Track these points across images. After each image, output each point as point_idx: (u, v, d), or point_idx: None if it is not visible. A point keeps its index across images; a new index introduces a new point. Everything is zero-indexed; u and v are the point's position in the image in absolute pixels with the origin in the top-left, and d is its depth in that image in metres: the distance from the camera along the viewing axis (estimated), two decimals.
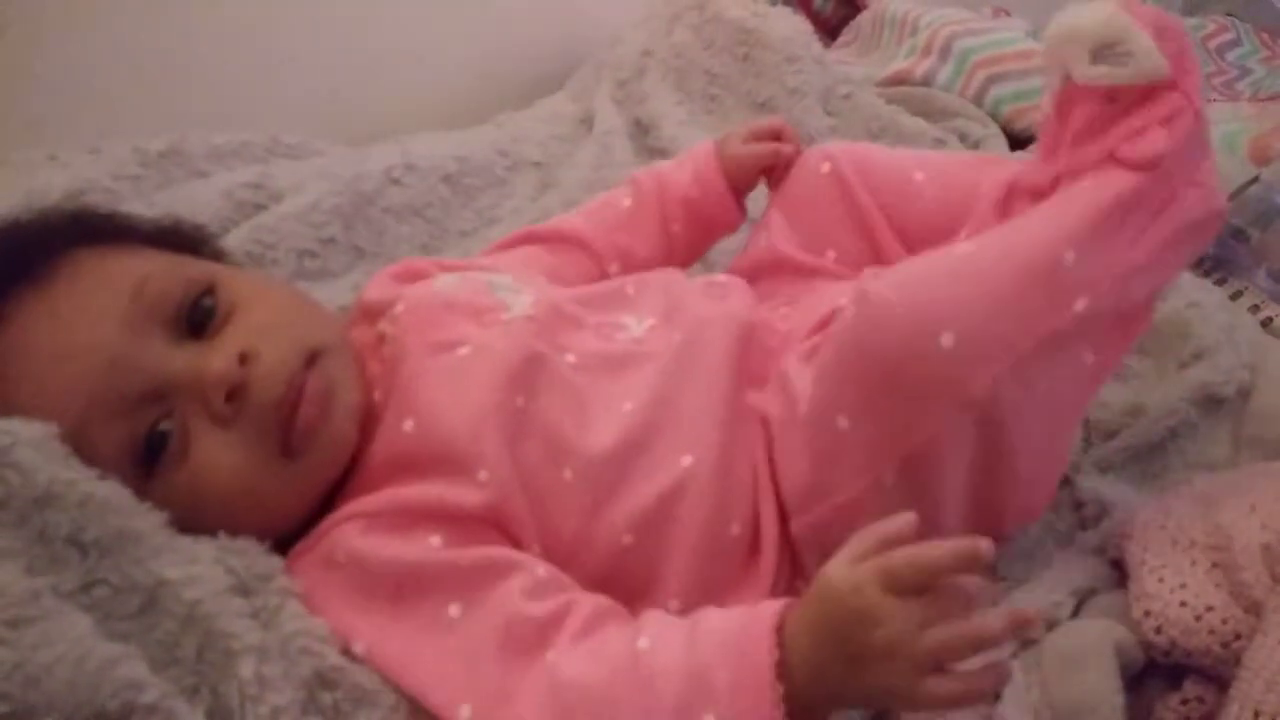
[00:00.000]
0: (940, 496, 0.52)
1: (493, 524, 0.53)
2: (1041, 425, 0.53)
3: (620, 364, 0.60)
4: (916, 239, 0.65)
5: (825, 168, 0.67)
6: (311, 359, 0.55)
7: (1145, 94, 0.52)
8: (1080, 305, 0.49)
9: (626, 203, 0.76)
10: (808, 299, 0.65)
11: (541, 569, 0.52)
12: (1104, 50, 0.51)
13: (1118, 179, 0.51)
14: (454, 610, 0.50)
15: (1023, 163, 0.63)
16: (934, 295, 0.49)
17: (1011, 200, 0.58)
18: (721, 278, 0.67)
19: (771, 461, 0.57)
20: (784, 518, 0.56)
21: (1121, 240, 0.51)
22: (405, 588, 0.51)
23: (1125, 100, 0.52)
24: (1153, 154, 0.51)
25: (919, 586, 0.44)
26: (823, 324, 0.60)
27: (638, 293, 0.67)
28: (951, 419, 0.50)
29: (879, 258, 0.66)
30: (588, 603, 0.51)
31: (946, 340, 0.48)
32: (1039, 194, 0.56)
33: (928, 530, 0.49)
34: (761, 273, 0.69)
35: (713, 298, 0.63)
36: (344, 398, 0.56)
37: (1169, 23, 0.52)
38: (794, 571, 0.57)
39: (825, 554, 0.53)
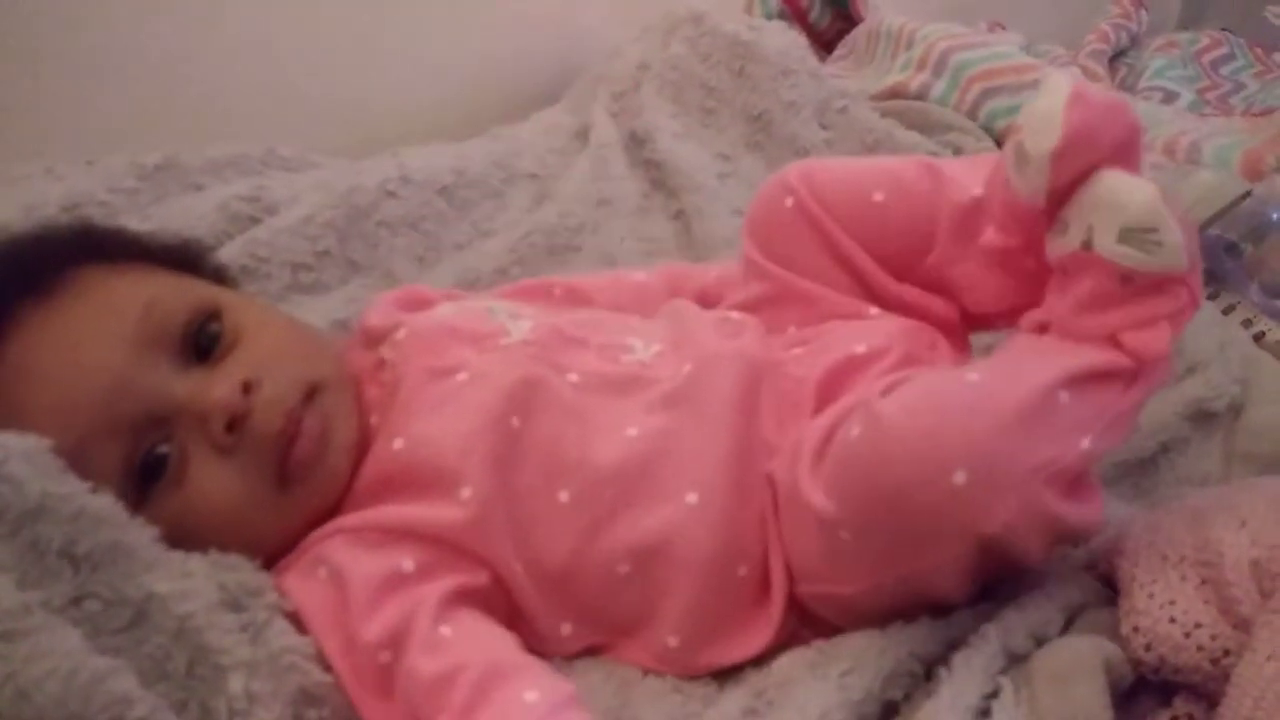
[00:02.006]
0: (944, 592, 0.53)
1: (469, 549, 0.53)
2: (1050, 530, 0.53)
3: (625, 385, 0.60)
4: (891, 260, 0.65)
5: (789, 202, 0.65)
6: (311, 393, 0.55)
7: (1158, 283, 0.51)
8: (1085, 444, 0.50)
9: (639, 276, 0.76)
10: (820, 339, 0.64)
11: (448, 627, 0.51)
12: (1135, 232, 0.51)
13: (1116, 357, 0.52)
14: (384, 657, 0.50)
15: (976, 185, 0.62)
16: (948, 429, 0.48)
17: (971, 228, 0.60)
18: (735, 315, 0.66)
19: (779, 520, 0.56)
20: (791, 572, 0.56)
21: (1108, 394, 0.52)
22: (352, 629, 0.51)
23: (1139, 284, 0.51)
24: (1156, 354, 0.52)
25: None
26: (837, 372, 0.60)
27: (644, 318, 0.67)
28: (958, 549, 0.50)
29: (863, 284, 0.65)
30: (474, 671, 0.49)
31: (960, 478, 0.47)
32: (1005, 252, 0.58)
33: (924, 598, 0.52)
34: (766, 305, 0.67)
35: (725, 335, 0.62)
36: (339, 435, 0.56)
37: (1186, 219, 0.52)
38: (801, 619, 0.56)
39: (826, 619, 0.55)
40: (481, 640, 0.52)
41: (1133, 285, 0.52)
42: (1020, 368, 0.51)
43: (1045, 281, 0.57)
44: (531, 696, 0.48)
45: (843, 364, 0.60)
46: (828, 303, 0.66)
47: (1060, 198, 0.53)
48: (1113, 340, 0.52)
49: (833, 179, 0.65)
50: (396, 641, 0.50)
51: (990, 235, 0.59)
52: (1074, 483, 0.51)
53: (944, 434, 0.47)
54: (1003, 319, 0.65)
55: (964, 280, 0.63)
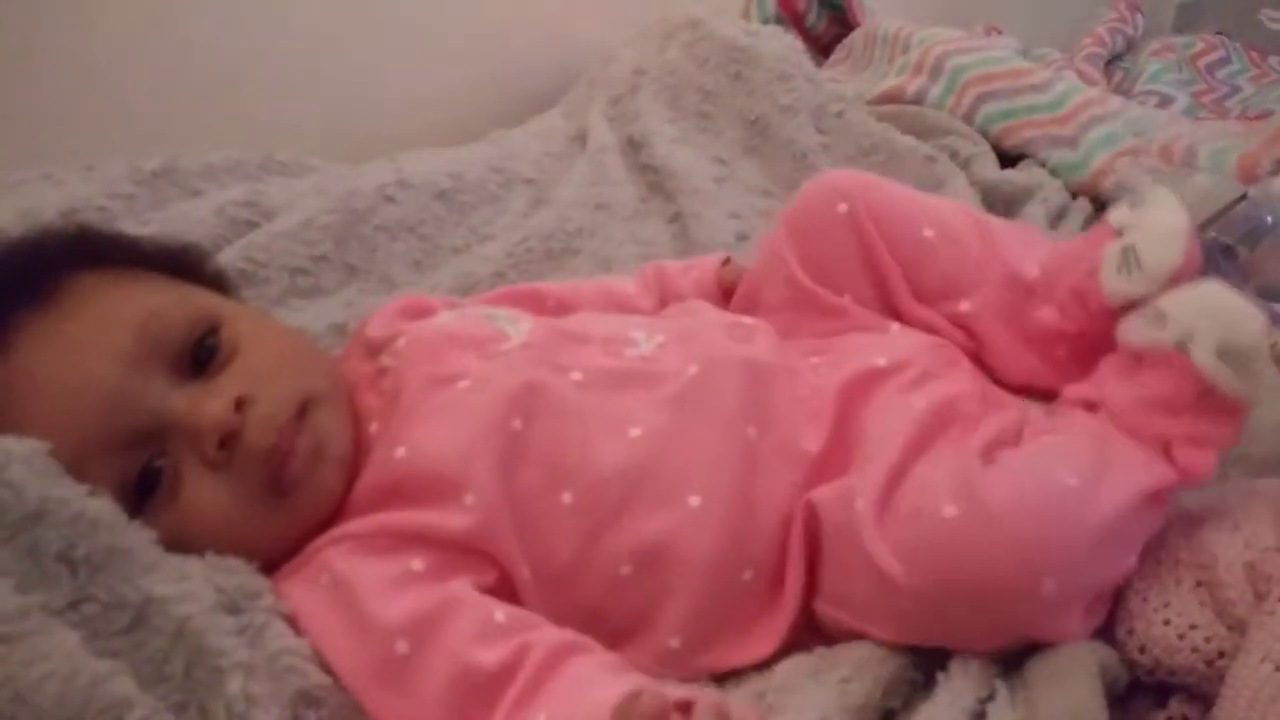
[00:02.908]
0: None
1: (477, 550, 0.53)
2: None
3: (628, 380, 0.59)
4: (924, 292, 0.66)
5: (842, 208, 0.66)
6: (304, 409, 0.55)
7: (1227, 408, 0.53)
8: (1129, 564, 0.53)
9: (631, 289, 0.76)
10: (838, 349, 0.64)
11: (501, 613, 0.51)
12: (1235, 353, 0.52)
13: (1163, 469, 0.53)
14: (401, 647, 0.49)
15: (1032, 265, 0.65)
16: (1052, 537, 0.48)
17: (1019, 305, 0.63)
18: (747, 320, 0.65)
19: (814, 540, 0.55)
20: (809, 581, 0.55)
21: (1156, 513, 0.54)
22: (363, 619, 0.51)
23: (1211, 403, 0.53)
24: (1201, 475, 0.53)
25: None
26: (857, 383, 0.60)
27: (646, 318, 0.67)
28: (1011, 641, 0.51)
29: (891, 304, 0.67)
30: (543, 646, 0.49)
31: (1048, 586, 0.48)
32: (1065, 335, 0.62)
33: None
34: (787, 310, 0.68)
35: (736, 339, 0.62)
36: (331, 450, 0.56)
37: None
38: (809, 626, 0.56)
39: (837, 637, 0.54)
40: (537, 622, 0.52)
41: (1206, 402, 0.53)
42: (1105, 475, 0.51)
43: (1066, 371, 0.61)
44: (602, 658, 0.50)
45: (864, 375, 0.60)
46: (850, 320, 0.66)
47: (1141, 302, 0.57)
48: (1164, 447, 0.54)
49: (888, 200, 0.67)
50: (420, 632, 0.50)
51: (1048, 315, 0.62)
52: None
53: (1047, 541, 0.48)
54: (1008, 387, 0.66)
55: (989, 341, 0.65)
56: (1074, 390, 0.59)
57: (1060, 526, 0.49)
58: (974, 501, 0.49)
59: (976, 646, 0.52)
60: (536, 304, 0.73)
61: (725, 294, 0.75)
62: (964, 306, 0.66)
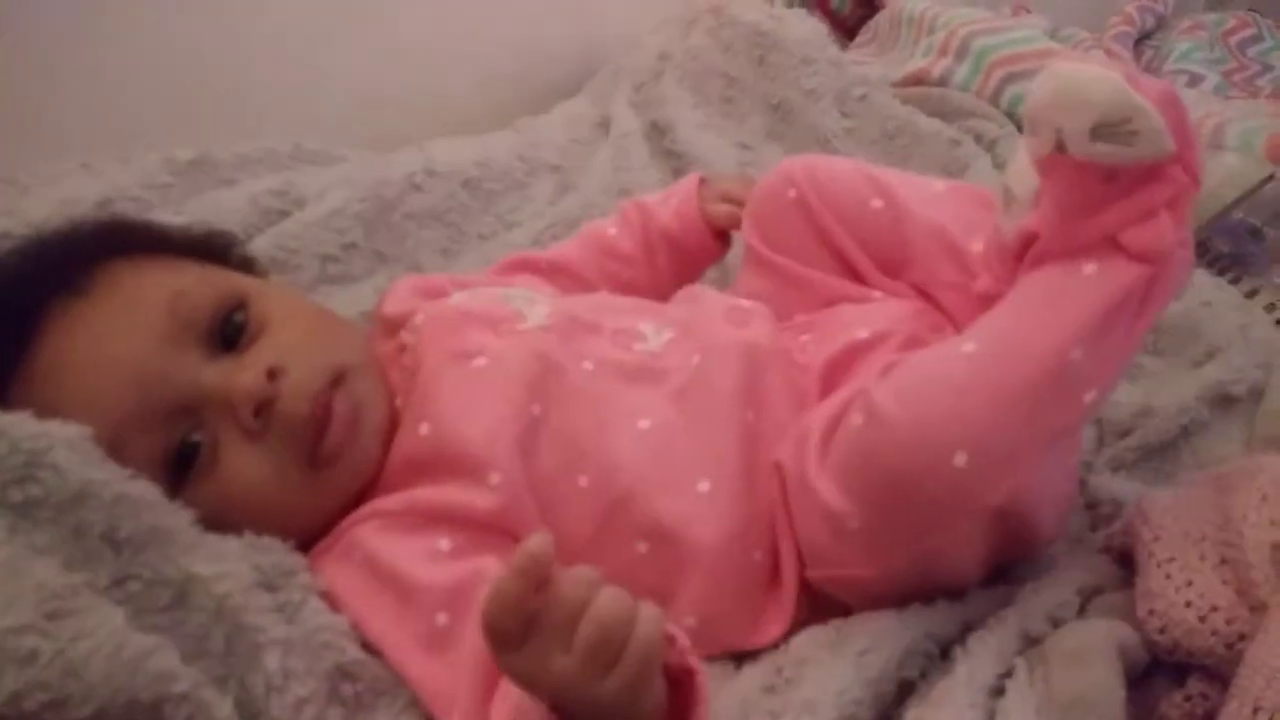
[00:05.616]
0: (958, 570, 0.53)
1: (502, 528, 0.55)
2: (1055, 486, 0.54)
3: (636, 374, 0.61)
4: (889, 266, 0.67)
5: (791, 194, 0.68)
6: (338, 378, 0.57)
7: (1147, 172, 0.48)
8: (1090, 397, 0.49)
9: (612, 230, 0.78)
10: (824, 325, 0.65)
11: None
12: (1107, 127, 0.47)
13: (1122, 270, 0.49)
14: (442, 619, 0.51)
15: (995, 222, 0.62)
16: (942, 413, 0.47)
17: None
18: (745, 303, 0.67)
19: (787, 506, 0.56)
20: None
21: (1121, 330, 0.49)
22: (404, 590, 0.52)
23: (1125, 179, 0.48)
24: (1161, 247, 0.48)
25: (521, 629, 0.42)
26: (840, 359, 0.61)
27: (657, 303, 0.69)
28: (968, 526, 0.50)
29: (858, 278, 0.68)
30: None
31: (960, 459, 0.47)
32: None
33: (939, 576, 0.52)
34: (771, 295, 0.69)
35: (734, 323, 0.63)
36: (370, 418, 0.58)
37: (1170, 92, 0.48)
38: (813, 606, 0.57)
39: (841, 602, 0.55)
40: None
41: (1119, 182, 0.48)
42: (1029, 327, 0.49)
43: None
44: None
45: (846, 350, 0.61)
46: (829, 288, 0.67)
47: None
48: (1113, 243, 0.49)
49: (831, 177, 0.68)
50: (456, 602, 0.51)
51: (984, 283, 0.60)
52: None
53: (936, 420, 0.48)
54: None
55: (947, 306, 0.65)
56: (980, 285, 0.58)
57: (949, 401, 0.47)
58: (869, 406, 0.50)
59: (948, 553, 0.51)
60: (530, 269, 0.75)
61: (705, 216, 0.77)
62: (916, 274, 0.66)
